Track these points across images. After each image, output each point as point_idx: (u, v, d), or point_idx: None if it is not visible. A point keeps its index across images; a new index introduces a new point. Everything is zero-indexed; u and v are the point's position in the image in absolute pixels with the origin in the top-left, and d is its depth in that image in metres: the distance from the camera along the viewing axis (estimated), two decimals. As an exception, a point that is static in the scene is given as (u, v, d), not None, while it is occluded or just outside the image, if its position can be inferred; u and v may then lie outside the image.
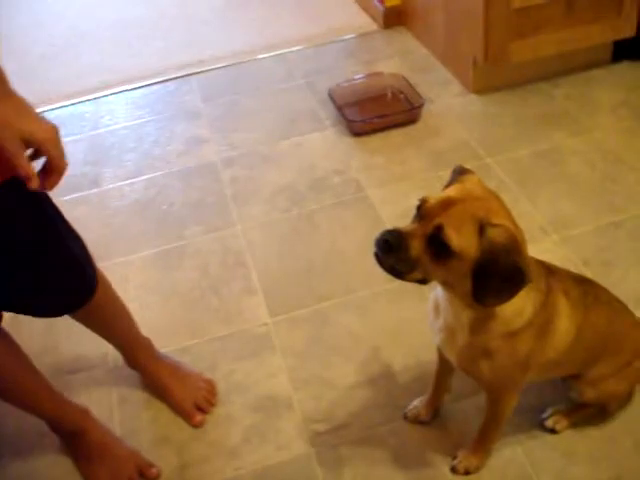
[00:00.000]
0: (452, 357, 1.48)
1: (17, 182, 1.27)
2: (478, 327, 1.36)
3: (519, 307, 1.33)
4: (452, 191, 1.26)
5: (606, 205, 2.33)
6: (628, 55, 2.95)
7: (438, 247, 1.21)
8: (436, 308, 1.47)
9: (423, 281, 1.29)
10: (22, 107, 1.25)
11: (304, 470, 1.73)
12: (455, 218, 1.20)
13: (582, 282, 1.54)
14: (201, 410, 1.86)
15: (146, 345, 1.91)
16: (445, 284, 1.32)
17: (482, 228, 1.19)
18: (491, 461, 1.68)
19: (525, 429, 1.73)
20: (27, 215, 1.36)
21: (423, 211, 1.24)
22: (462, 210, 1.21)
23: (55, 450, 1.83)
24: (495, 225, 1.19)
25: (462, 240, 1.19)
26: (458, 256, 1.20)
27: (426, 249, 1.22)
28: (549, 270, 1.43)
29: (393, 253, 1.24)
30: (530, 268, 1.22)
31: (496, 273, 1.20)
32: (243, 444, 1.80)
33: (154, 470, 1.75)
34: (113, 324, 1.83)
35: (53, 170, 1.27)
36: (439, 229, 1.20)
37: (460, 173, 1.33)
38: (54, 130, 1.26)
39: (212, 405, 1.89)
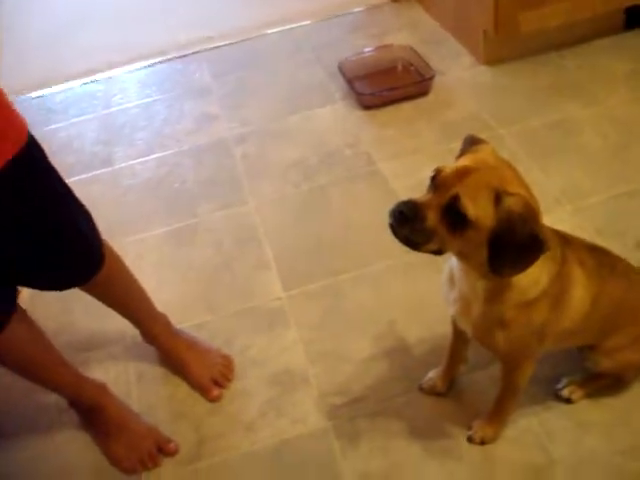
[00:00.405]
0: (467, 328, 1.48)
1: (27, 157, 1.28)
2: (493, 297, 1.36)
3: (535, 277, 1.32)
4: (467, 160, 1.25)
5: (619, 175, 2.31)
6: (640, 23, 2.91)
7: (454, 217, 1.20)
8: (451, 279, 1.47)
9: (438, 252, 1.28)
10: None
11: (321, 443, 1.74)
12: (471, 187, 1.19)
13: (598, 252, 1.53)
14: (218, 385, 1.88)
15: (163, 320, 1.93)
16: (460, 254, 1.32)
17: (498, 197, 1.18)
18: (506, 431, 1.69)
19: (540, 399, 1.74)
20: (36, 190, 1.37)
21: (438, 181, 1.23)
22: (478, 179, 1.20)
23: (74, 426, 1.85)
24: (511, 194, 1.19)
25: (478, 209, 1.18)
26: (474, 226, 1.19)
27: (442, 219, 1.22)
28: (565, 240, 1.43)
29: (408, 224, 1.23)
30: (547, 236, 1.22)
31: (513, 242, 1.19)
32: (259, 418, 1.81)
33: (172, 445, 1.77)
34: (126, 298, 1.84)
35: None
36: (455, 199, 1.19)
37: (472, 143, 1.32)
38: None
39: (229, 380, 1.90)
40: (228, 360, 1.94)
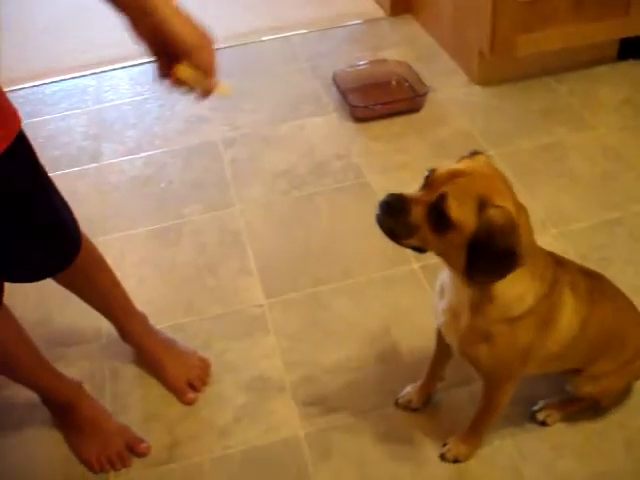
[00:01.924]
0: (453, 340, 1.48)
1: (19, 147, 1.27)
2: (478, 309, 1.36)
3: (519, 293, 1.32)
4: (461, 164, 1.27)
5: (606, 202, 2.33)
6: (634, 54, 2.93)
7: (438, 216, 1.21)
8: (442, 290, 1.47)
9: (420, 250, 1.30)
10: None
11: (293, 452, 1.73)
12: (459, 190, 1.21)
13: (590, 276, 1.53)
14: (194, 388, 1.86)
15: (141, 319, 1.91)
16: (441, 255, 1.32)
17: (483, 205, 1.19)
18: (480, 450, 1.68)
19: (516, 420, 1.73)
20: (25, 179, 1.36)
21: (430, 180, 1.25)
22: (467, 184, 1.21)
23: (45, 422, 1.83)
24: (496, 205, 1.20)
25: (461, 213, 1.20)
26: (456, 228, 1.20)
27: (427, 217, 1.23)
28: (558, 261, 1.43)
29: (393, 216, 1.26)
30: (525, 252, 1.22)
31: (489, 251, 1.20)
32: (233, 424, 1.80)
33: (144, 445, 1.75)
34: (104, 292, 1.81)
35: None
36: (442, 197, 1.20)
37: (473, 154, 1.34)
38: (209, 34, 1.25)
39: (205, 384, 1.88)
40: (206, 364, 1.92)
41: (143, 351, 1.91)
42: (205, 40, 1.20)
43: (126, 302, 1.87)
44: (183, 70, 1.18)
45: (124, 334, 1.91)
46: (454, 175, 1.23)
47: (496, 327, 1.37)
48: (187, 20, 1.17)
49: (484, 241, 1.19)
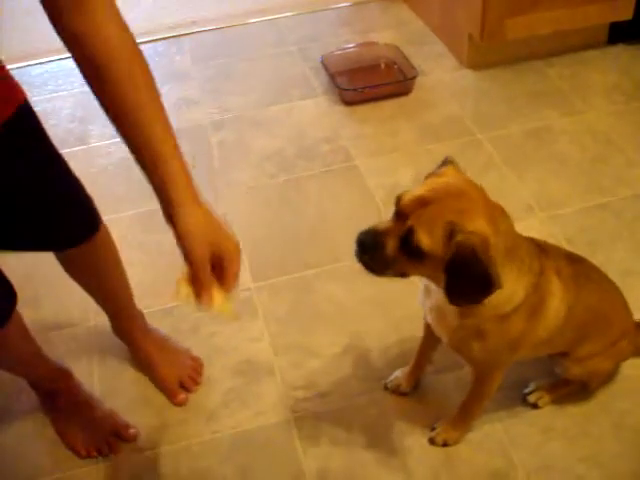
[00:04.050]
0: (443, 335, 1.48)
1: (21, 116, 1.28)
2: (468, 311, 1.35)
3: (510, 292, 1.32)
4: (427, 188, 1.24)
5: (594, 186, 2.33)
6: (624, 38, 2.93)
7: (410, 248, 1.21)
8: (427, 288, 1.46)
9: (403, 274, 1.30)
10: (211, 216, 1.23)
11: (282, 436, 1.73)
12: (427, 220, 1.20)
13: (574, 260, 1.53)
14: (185, 388, 1.84)
15: (139, 317, 1.88)
16: (425, 277, 1.34)
17: (452, 233, 1.18)
18: (469, 435, 1.69)
19: (505, 404, 1.74)
20: (34, 149, 1.37)
21: (399, 208, 1.24)
22: (434, 211, 1.20)
23: (32, 407, 1.81)
24: (465, 231, 1.18)
25: (432, 243, 1.19)
26: (429, 257, 1.20)
27: (400, 248, 1.23)
28: (541, 249, 1.42)
29: (369, 252, 1.27)
30: (498, 273, 1.21)
31: (465, 277, 1.20)
32: (222, 407, 1.80)
33: (132, 431, 1.74)
34: (109, 284, 1.79)
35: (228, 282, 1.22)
36: (410, 231, 1.20)
37: (442, 166, 1.32)
38: (238, 243, 1.22)
39: (197, 384, 1.85)
40: (198, 362, 1.89)
41: (136, 349, 1.89)
42: (219, 256, 1.18)
43: (129, 300, 1.84)
44: (180, 285, 1.19)
45: (118, 330, 1.89)
46: (420, 203, 1.21)
47: (488, 324, 1.37)
48: (203, 230, 1.17)
49: (459, 267, 1.19)
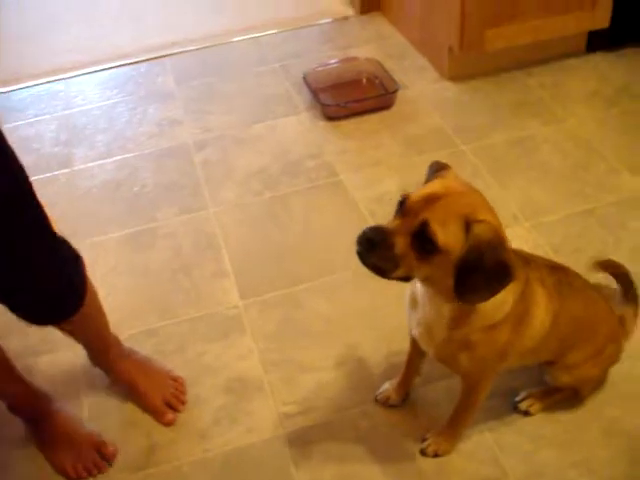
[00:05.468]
0: (429, 349, 1.48)
1: None
2: (458, 321, 1.35)
3: (501, 300, 1.32)
4: (435, 186, 1.25)
5: (577, 193, 2.34)
6: (602, 46, 2.95)
7: (423, 243, 1.19)
8: (413, 301, 1.45)
9: (406, 278, 1.27)
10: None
11: (274, 452, 1.72)
12: (440, 213, 1.19)
13: (557, 270, 1.54)
14: (172, 408, 1.82)
15: (115, 343, 1.86)
16: (427, 280, 1.31)
17: (468, 224, 1.18)
18: (460, 444, 1.69)
19: (495, 414, 1.74)
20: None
21: (406, 207, 1.22)
22: (446, 205, 1.20)
23: (19, 433, 1.80)
24: (480, 221, 1.18)
25: (448, 236, 1.18)
26: (443, 252, 1.19)
27: (411, 245, 1.21)
28: (525, 259, 1.43)
29: (377, 251, 1.22)
30: (515, 263, 1.22)
31: (480, 270, 1.19)
32: (213, 426, 1.79)
33: (111, 448, 1.74)
34: (90, 331, 1.77)
35: None
36: (424, 225, 1.18)
37: (437, 169, 1.32)
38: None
39: (183, 403, 1.84)
40: (179, 381, 1.88)
41: (116, 375, 1.86)
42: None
43: (104, 331, 1.81)
44: None
45: (95, 360, 1.87)
46: (431, 199, 1.20)
47: (476, 335, 1.37)
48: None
49: (475, 260, 1.18)
